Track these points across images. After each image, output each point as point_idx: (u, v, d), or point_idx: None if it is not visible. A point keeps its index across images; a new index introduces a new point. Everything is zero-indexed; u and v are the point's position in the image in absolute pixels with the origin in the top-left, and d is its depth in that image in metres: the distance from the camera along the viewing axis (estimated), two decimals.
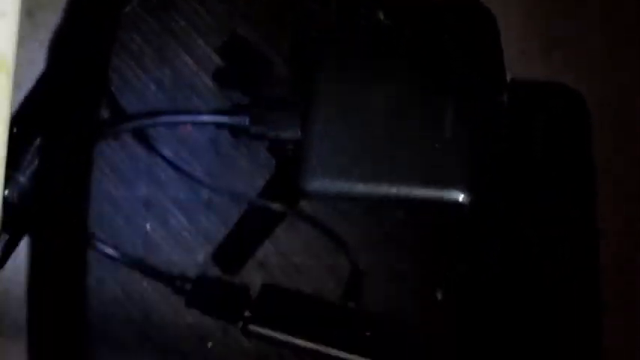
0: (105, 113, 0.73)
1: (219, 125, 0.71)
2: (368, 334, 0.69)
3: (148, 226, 0.72)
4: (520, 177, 0.74)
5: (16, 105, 0.83)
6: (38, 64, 0.88)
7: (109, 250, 0.70)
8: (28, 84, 0.85)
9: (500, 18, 0.82)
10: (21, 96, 0.84)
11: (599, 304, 0.72)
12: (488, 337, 0.71)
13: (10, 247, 0.77)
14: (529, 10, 0.95)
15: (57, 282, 0.76)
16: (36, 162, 0.82)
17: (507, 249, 0.71)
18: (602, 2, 0.95)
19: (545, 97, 0.82)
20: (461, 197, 0.66)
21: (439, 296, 0.71)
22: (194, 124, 0.71)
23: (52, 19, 0.90)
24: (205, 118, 0.71)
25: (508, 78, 0.85)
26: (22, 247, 0.82)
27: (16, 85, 0.85)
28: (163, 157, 0.72)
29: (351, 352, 0.68)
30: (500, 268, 0.71)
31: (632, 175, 0.86)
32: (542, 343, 0.71)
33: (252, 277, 0.71)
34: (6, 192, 0.77)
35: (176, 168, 0.72)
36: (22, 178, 0.77)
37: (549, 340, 0.71)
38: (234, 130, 0.71)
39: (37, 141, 0.82)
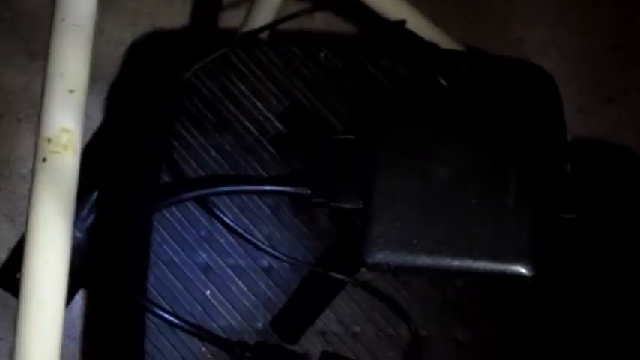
0: (166, 178, 0.73)
1: (280, 195, 0.71)
2: None
3: (207, 292, 0.72)
4: (585, 246, 0.73)
5: None
6: (95, 119, 0.89)
7: (168, 316, 0.70)
8: (85, 138, 0.86)
9: (559, 77, 0.82)
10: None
11: None
12: None
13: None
14: (586, 66, 0.94)
15: (113, 346, 0.76)
16: (92, 217, 0.82)
17: (572, 323, 0.71)
18: None
19: (606, 159, 0.81)
20: (524, 270, 0.65)
21: None
22: (255, 194, 0.71)
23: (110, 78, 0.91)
24: (267, 188, 0.71)
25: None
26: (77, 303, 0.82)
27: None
28: (224, 224, 0.72)
29: None
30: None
31: None
32: None
33: (312, 345, 0.71)
34: None
35: (236, 234, 0.72)
36: (78, 233, 0.78)
37: None
38: (296, 199, 0.70)
39: (94, 196, 0.82)
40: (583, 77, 0.98)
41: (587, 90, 0.97)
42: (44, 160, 0.54)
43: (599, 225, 0.77)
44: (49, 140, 0.54)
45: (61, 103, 0.54)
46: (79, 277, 0.77)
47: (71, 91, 0.55)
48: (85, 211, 0.83)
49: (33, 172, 0.54)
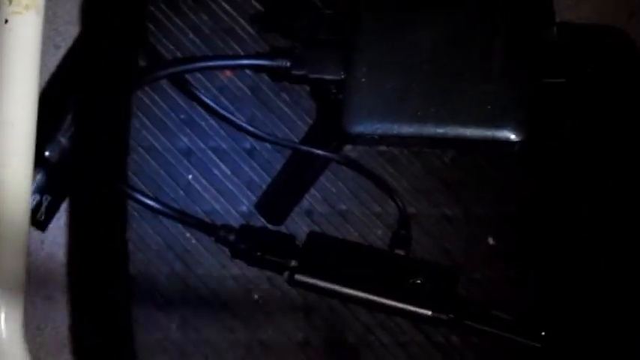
0: (142, 62, 0.71)
1: (259, 69, 0.69)
2: (417, 281, 0.66)
3: (189, 176, 0.70)
4: (572, 115, 0.71)
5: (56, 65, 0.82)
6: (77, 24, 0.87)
7: (150, 202, 0.69)
8: (68, 43, 0.84)
9: None
10: (59, 57, 0.82)
11: None
12: (539, 283, 0.69)
13: (52, 209, 0.76)
14: None
15: (98, 238, 0.74)
16: (76, 123, 0.80)
17: (559, 189, 0.69)
18: None
19: (596, 39, 0.79)
20: (512, 135, 0.64)
21: (490, 241, 0.69)
22: (233, 68, 0.69)
23: None
24: (245, 61, 0.69)
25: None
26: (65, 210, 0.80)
27: (56, 46, 0.84)
28: (204, 106, 0.70)
29: (400, 300, 0.65)
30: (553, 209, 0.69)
31: None
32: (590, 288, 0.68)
33: (298, 225, 0.69)
34: (47, 153, 0.75)
35: (217, 116, 0.70)
36: (63, 139, 0.76)
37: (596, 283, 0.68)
38: (275, 74, 0.69)
39: (77, 101, 0.80)
40: None
41: None
42: (6, 21, 0.52)
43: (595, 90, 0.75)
44: (10, 1, 0.52)
45: None
46: (65, 183, 0.76)
47: None
48: (69, 117, 0.81)
49: None
